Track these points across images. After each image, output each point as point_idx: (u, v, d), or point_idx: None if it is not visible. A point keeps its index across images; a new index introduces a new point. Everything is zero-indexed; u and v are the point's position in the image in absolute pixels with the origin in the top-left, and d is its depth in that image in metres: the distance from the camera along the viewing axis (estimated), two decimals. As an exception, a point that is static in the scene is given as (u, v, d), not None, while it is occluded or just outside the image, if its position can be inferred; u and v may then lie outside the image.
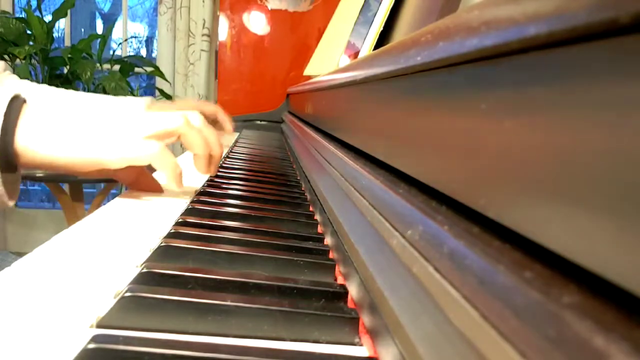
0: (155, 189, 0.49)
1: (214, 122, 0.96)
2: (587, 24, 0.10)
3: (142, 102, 0.80)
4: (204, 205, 0.42)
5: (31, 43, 1.82)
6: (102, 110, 0.46)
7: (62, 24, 2.24)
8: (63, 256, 0.29)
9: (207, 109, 0.92)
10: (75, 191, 1.77)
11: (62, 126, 0.41)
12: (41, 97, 0.78)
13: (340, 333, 0.23)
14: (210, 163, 0.49)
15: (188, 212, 0.40)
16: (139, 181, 0.48)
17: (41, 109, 0.41)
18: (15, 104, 0.40)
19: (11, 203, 0.41)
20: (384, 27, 0.63)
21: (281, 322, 0.23)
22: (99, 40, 1.97)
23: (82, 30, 3.32)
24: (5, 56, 1.79)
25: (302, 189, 0.57)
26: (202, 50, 2.06)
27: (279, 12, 1.67)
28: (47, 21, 1.86)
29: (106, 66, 2.06)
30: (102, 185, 1.81)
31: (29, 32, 1.83)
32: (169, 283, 0.26)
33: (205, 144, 0.47)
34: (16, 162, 0.40)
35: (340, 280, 0.30)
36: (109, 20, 3.39)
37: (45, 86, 0.84)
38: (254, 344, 0.22)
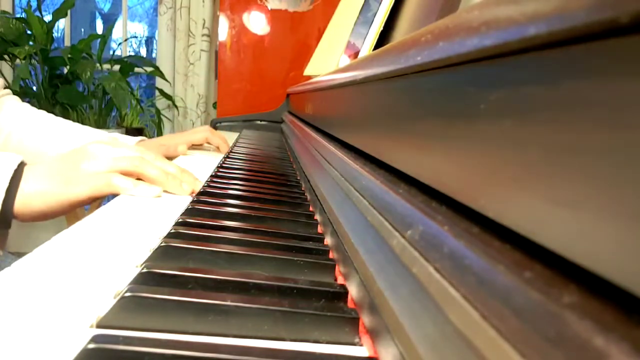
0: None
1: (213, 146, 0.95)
2: (587, 24, 0.10)
3: (133, 141, 0.80)
4: (204, 205, 0.42)
5: (31, 43, 1.82)
6: (73, 152, 0.52)
7: (62, 24, 2.24)
8: (63, 256, 0.29)
9: (195, 139, 0.90)
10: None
11: (39, 182, 0.48)
12: (32, 126, 0.80)
13: (340, 333, 0.23)
14: (181, 180, 0.52)
15: (188, 212, 0.40)
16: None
17: (35, 170, 0.48)
18: (19, 169, 0.47)
19: (1, 252, 0.51)
20: (384, 27, 0.63)
21: (281, 322, 0.23)
22: (99, 40, 1.97)
23: (82, 30, 3.32)
24: (5, 56, 1.79)
25: (302, 189, 0.57)
26: (202, 50, 2.06)
27: (279, 12, 1.67)
28: (47, 21, 1.86)
29: (106, 66, 2.06)
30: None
31: (29, 32, 1.83)
32: (169, 283, 0.26)
33: (162, 173, 0.51)
34: (9, 219, 0.47)
35: (340, 280, 0.30)
36: (109, 20, 3.39)
37: (42, 114, 0.84)
38: (254, 344, 0.22)
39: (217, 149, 0.94)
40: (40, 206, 0.47)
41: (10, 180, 0.46)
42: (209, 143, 0.94)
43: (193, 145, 0.90)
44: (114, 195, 0.46)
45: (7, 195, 0.45)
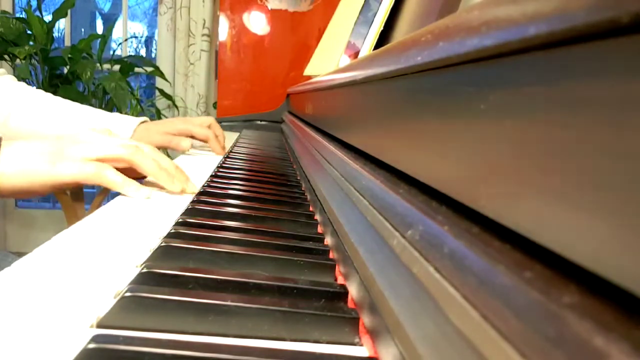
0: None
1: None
2: (587, 24, 0.10)
3: (134, 122, 0.79)
4: (204, 205, 0.42)
5: (31, 43, 1.82)
6: (61, 133, 0.51)
7: (62, 24, 2.24)
8: (63, 256, 0.29)
9: (198, 134, 0.86)
10: (75, 191, 1.77)
11: (22, 157, 0.46)
12: (30, 107, 0.79)
13: (340, 333, 0.23)
14: (175, 177, 0.51)
15: (188, 212, 0.40)
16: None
17: (16, 145, 0.46)
18: None
19: None
20: (384, 27, 0.63)
21: (281, 322, 0.23)
22: (99, 40, 1.97)
23: (82, 30, 3.32)
24: (5, 56, 1.79)
25: (302, 189, 0.57)
26: (202, 50, 2.06)
27: (279, 12, 1.67)
28: (47, 21, 1.86)
29: (106, 66, 2.06)
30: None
31: (29, 32, 1.83)
32: (169, 283, 0.26)
33: (156, 163, 0.49)
34: None
35: (340, 280, 0.30)
36: (109, 20, 3.39)
37: (40, 92, 0.83)
38: (254, 344, 0.22)
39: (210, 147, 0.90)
40: (21, 183, 0.45)
41: None
42: (208, 142, 0.91)
43: (192, 135, 0.87)
44: (114, 195, 0.46)
45: None
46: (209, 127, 0.89)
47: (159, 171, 0.50)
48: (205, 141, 0.88)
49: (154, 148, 0.52)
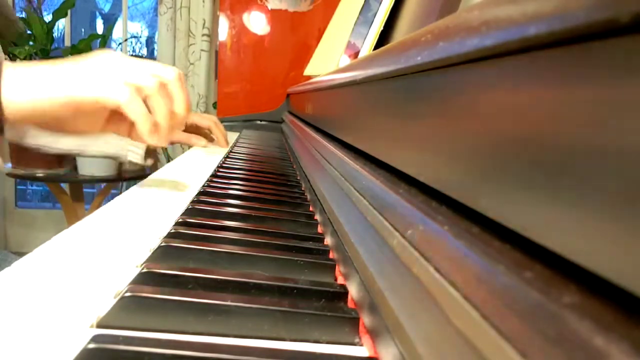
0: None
1: (209, 137, 0.97)
2: (587, 24, 0.10)
3: None
4: (204, 205, 0.42)
5: (31, 43, 1.82)
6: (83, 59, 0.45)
7: (62, 24, 2.24)
8: (63, 256, 0.29)
9: (202, 123, 0.93)
10: (75, 191, 1.77)
11: (40, 74, 0.42)
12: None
13: (340, 333, 0.23)
14: (168, 129, 0.47)
15: (188, 212, 0.40)
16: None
17: (21, 66, 0.42)
18: None
19: (6, 164, 0.43)
20: (384, 27, 0.63)
21: (281, 322, 0.23)
22: (99, 40, 1.97)
23: (82, 30, 3.32)
24: (6, 56, 1.79)
25: (302, 189, 0.57)
26: (202, 50, 2.06)
27: (279, 12, 1.67)
28: (47, 21, 1.86)
29: (106, 66, 2.05)
30: (102, 185, 1.81)
31: (29, 32, 1.83)
32: (169, 283, 0.26)
33: (167, 113, 0.45)
34: (2, 119, 0.40)
35: (340, 280, 0.30)
36: (109, 20, 3.39)
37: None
38: (254, 344, 0.22)
39: (215, 140, 0.96)
40: (34, 108, 0.40)
41: None
42: (210, 131, 0.97)
43: (196, 125, 0.95)
44: (114, 195, 0.46)
45: None
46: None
47: (164, 120, 0.45)
48: (209, 130, 0.94)
49: (178, 79, 0.47)
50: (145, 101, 0.44)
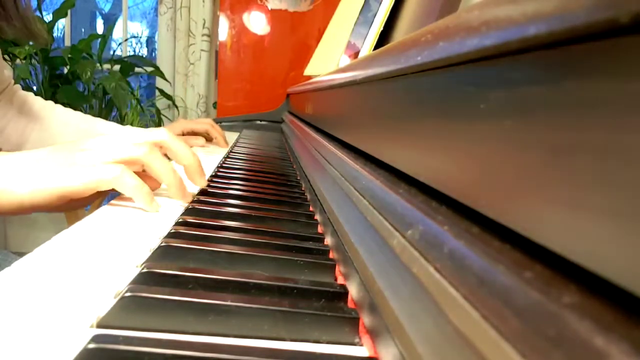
0: (155, 187, 0.47)
1: (208, 138, 0.99)
2: (587, 24, 0.10)
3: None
4: (204, 205, 0.42)
5: (31, 43, 1.82)
6: (69, 142, 0.44)
7: (62, 23, 2.24)
8: (63, 256, 0.29)
9: (198, 127, 0.96)
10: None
11: (23, 165, 0.40)
12: (40, 120, 0.78)
13: (340, 333, 0.23)
14: (194, 174, 0.48)
15: (188, 212, 0.40)
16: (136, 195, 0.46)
17: (5, 157, 0.41)
18: None
19: None
20: (384, 27, 0.63)
21: (281, 322, 0.23)
22: (99, 40, 1.97)
23: (82, 30, 3.33)
24: (5, 56, 1.79)
25: (302, 189, 0.57)
26: (202, 50, 2.06)
27: (279, 12, 1.67)
28: (47, 21, 1.86)
29: (106, 66, 2.06)
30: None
31: (29, 32, 1.83)
32: (169, 283, 0.26)
33: (171, 172, 0.44)
34: None
35: (340, 280, 0.30)
36: (109, 20, 3.39)
37: (50, 104, 0.84)
38: (254, 344, 0.22)
39: (214, 140, 0.98)
40: (22, 195, 0.39)
41: None
42: (208, 134, 0.99)
43: (193, 131, 0.98)
44: (114, 196, 0.46)
45: None
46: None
47: (174, 181, 0.45)
48: (207, 134, 0.97)
49: (169, 134, 0.47)
50: (145, 169, 0.44)
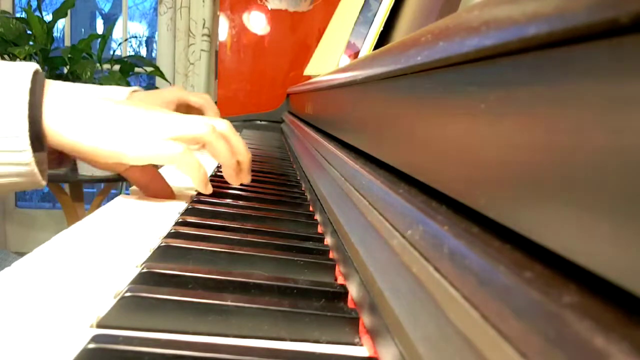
0: (167, 195, 0.48)
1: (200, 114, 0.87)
2: (587, 24, 0.10)
3: (125, 92, 0.74)
4: (204, 205, 0.42)
5: (31, 43, 1.82)
6: (126, 103, 0.43)
7: (62, 23, 2.24)
8: (63, 256, 0.29)
9: (194, 101, 0.84)
10: (75, 191, 1.77)
11: (88, 114, 0.41)
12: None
13: (340, 333, 0.23)
14: (240, 171, 0.48)
15: (188, 212, 0.40)
16: (151, 186, 0.47)
17: (63, 90, 0.41)
18: (38, 79, 0.39)
19: (44, 183, 0.41)
20: (384, 27, 0.63)
21: (281, 322, 0.23)
22: (99, 40, 1.97)
23: (82, 30, 3.33)
24: (5, 56, 1.79)
25: (302, 188, 0.57)
26: (202, 50, 2.06)
27: (279, 12, 1.67)
28: (47, 21, 1.86)
29: (106, 66, 2.06)
30: (102, 185, 1.82)
31: (29, 32, 1.83)
32: (169, 283, 0.26)
33: (231, 153, 0.46)
34: (44, 141, 0.39)
35: (340, 280, 0.30)
36: (109, 20, 3.39)
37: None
38: (254, 344, 0.22)
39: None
40: (83, 147, 0.40)
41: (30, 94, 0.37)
42: (202, 112, 0.85)
43: (187, 103, 0.85)
44: (114, 195, 0.46)
45: (30, 107, 0.37)
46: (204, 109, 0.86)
47: (230, 163, 0.46)
48: (201, 109, 0.84)
49: (231, 127, 0.48)
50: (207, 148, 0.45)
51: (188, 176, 0.43)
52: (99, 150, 0.40)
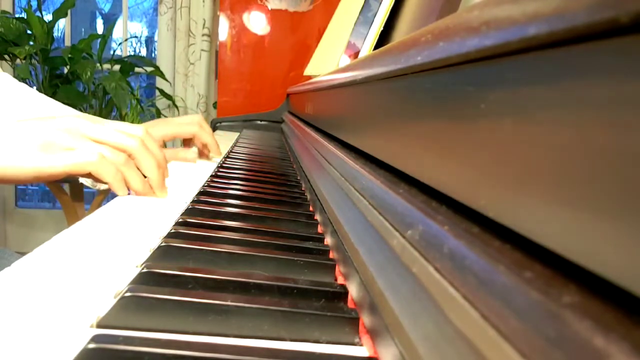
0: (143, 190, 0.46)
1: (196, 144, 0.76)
2: (587, 24, 0.10)
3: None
4: (204, 205, 0.42)
5: (31, 43, 1.82)
6: (47, 117, 0.43)
7: (62, 23, 2.24)
8: (63, 256, 0.29)
9: (183, 131, 0.72)
10: (75, 191, 1.78)
11: (9, 136, 0.40)
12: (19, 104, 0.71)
13: (340, 333, 0.23)
14: (150, 188, 0.46)
15: (188, 212, 0.40)
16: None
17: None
18: None
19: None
20: (384, 27, 0.63)
21: (281, 322, 0.23)
22: (99, 40, 1.97)
23: (82, 30, 3.33)
24: (6, 56, 1.80)
25: (302, 189, 0.57)
26: (202, 50, 2.06)
27: (279, 12, 1.67)
28: (47, 21, 1.86)
29: (106, 66, 2.06)
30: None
31: (29, 32, 1.83)
32: (169, 283, 0.26)
33: (115, 171, 0.43)
34: None
35: (340, 280, 0.30)
36: (109, 20, 3.39)
37: (33, 92, 0.76)
38: (254, 344, 0.22)
39: (203, 149, 0.75)
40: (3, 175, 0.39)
41: None
42: (196, 139, 0.74)
43: (176, 137, 0.74)
44: (114, 195, 0.46)
45: None
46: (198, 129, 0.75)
47: (158, 174, 0.46)
48: (194, 137, 0.74)
49: (146, 138, 0.47)
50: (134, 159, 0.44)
51: (108, 183, 0.42)
52: (11, 169, 0.39)
